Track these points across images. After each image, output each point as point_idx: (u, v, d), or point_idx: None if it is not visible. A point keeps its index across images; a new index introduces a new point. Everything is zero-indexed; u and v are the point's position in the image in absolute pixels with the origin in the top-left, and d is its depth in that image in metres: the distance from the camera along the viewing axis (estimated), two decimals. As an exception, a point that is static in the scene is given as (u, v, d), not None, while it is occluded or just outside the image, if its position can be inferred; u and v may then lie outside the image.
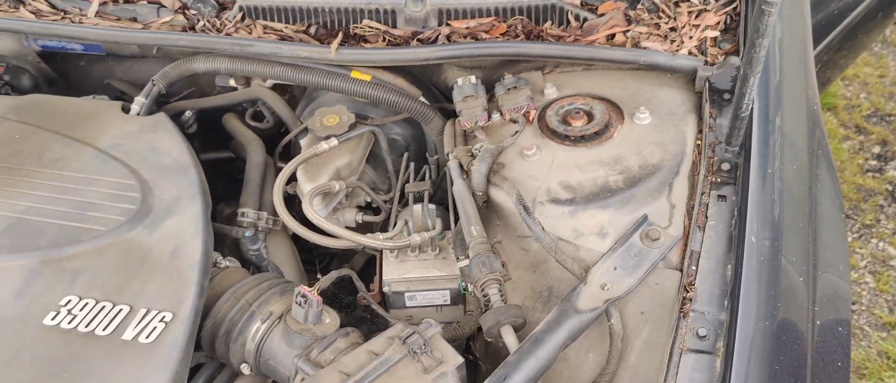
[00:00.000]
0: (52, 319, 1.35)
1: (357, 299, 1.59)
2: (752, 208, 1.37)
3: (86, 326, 1.34)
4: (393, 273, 1.58)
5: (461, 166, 1.56)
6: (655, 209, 1.45)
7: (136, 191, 1.51)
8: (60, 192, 1.53)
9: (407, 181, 1.71)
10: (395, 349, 1.31)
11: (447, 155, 1.60)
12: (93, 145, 1.61)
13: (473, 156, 1.55)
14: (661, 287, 1.40)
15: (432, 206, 1.67)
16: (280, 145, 1.82)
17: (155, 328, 1.33)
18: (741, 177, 1.45)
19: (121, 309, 1.35)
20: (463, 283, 1.55)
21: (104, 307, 1.36)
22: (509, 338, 1.33)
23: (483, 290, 1.38)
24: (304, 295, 1.38)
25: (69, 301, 1.37)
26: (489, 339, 1.37)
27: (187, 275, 1.39)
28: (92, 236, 1.45)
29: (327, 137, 1.64)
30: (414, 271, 1.57)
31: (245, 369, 1.45)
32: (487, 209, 1.54)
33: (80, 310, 1.36)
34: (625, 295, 1.34)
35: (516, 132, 1.57)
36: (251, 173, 1.71)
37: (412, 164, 1.73)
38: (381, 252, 1.64)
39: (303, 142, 1.77)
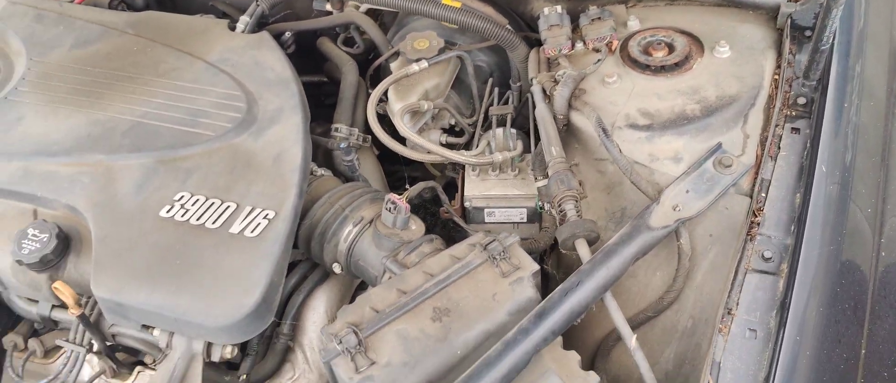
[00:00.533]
0: (167, 212, 1.50)
1: (440, 212, 1.70)
2: (824, 141, 1.42)
3: (197, 219, 1.48)
4: (474, 189, 1.68)
5: (544, 91, 1.63)
6: (729, 138, 1.51)
7: (242, 102, 1.64)
8: (174, 100, 1.66)
9: (491, 105, 1.80)
10: (475, 254, 1.42)
11: (531, 81, 1.68)
12: (203, 59, 1.74)
13: (556, 82, 1.62)
14: (730, 211, 1.47)
15: (513, 130, 1.76)
16: (372, 67, 1.93)
17: (259, 224, 1.46)
18: (816, 111, 1.49)
19: (228, 206, 1.49)
20: (540, 202, 1.64)
21: (213, 203, 1.50)
22: (583, 251, 1.42)
23: (560, 206, 1.47)
24: (393, 202, 1.49)
25: (182, 196, 1.51)
26: (564, 251, 1.47)
27: (288, 178, 1.52)
28: (202, 140, 1.59)
29: (418, 60, 1.74)
30: (494, 189, 1.67)
31: (336, 268, 1.58)
32: (567, 133, 1.62)
33: (192, 205, 1.50)
34: (695, 216, 1.42)
35: (599, 60, 1.63)
36: (345, 92, 1.83)
37: (496, 89, 1.81)
38: (463, 169, 1.74)
39: (393, 65, 1.86)
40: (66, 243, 1.51)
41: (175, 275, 1.42)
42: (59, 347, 1.72)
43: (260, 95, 1.65)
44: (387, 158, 1.99)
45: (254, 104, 1.64)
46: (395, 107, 1.72)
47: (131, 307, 1.43)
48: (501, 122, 1.73)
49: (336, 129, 1.77)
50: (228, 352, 1.47)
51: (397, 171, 2.16)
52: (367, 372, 1.29)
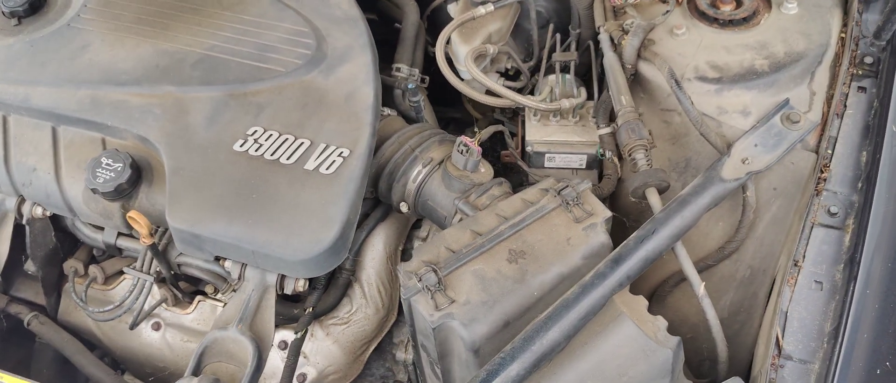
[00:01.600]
0: (241, 146, 1.51)
1: (501, 155, 1.72)
2: (895, 100, 1.45)
3: (271, 154, 1.50)
4: (536, 134, 1.70)
5: (611, 40, 1.65)
6: (796, 94, 1.54)
7: (311, 38, 1.64)
8: (241, 34, 1.66)
9: (553, 51, 1.81)
10: (549, 199, 1.45)
11: (597, 29, 1.70)
12: (268, -7, 1.73)
13: (625, 31, 1.63)
14: (795, 166, 1.50)
15: (570, 77, 1.77)
16: (429, 8, 1.92)
17: (334, 161, 1.48)
18: (885, 71, 1.52)
19: (302, 143, 1.51)
20: (601, 149, 1.67)
21: (287, 139, 1.51)
22: (654, 199, 1.46)
23: (630, 154, 1.50)
24: (466, 145, 1.51)
25: (255, 131, 1.53)
26: (633, 199, 1.50)
27: (361, 116, 1.54)
28: (273, 76, 1.59)
29: (483, 2, 1.74)
30: (555, 134, 1.69)
31: (403, 207, 1.61)
32: (634, 82, 1.64)
33: (266, 140, 1.52)
34: (764, 169, 1.45)
35: (667, 11, 1.65)
36: (407, 31, 1.83)
37: (558, 36, 1.82)
38: (521, 114, 1.76)
39: (454, 8, 1.86)
40: (138, 173, 1.52)
41: (252, 209, 1.44)
42: (119, 274, 1.76)
43: (328, 33, 1.65)
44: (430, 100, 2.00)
45: (322, 41, 1.64)
46: (460, 49, 1.72)
47: (207, 238, 1.45)
48: (564, 69, 1.74)
49: (397, 69, 1.78)
50: (301, 285, 1.50)
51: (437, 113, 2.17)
52: (447, 309, 1.33)
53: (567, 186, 1.45)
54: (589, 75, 1.82)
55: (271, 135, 1.52)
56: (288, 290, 1.50)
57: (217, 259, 1.53)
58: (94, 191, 1.49)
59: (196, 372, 1.42)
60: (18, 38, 1.70)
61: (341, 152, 1.49)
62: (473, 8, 1.75)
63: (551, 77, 1.77)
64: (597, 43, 1.74)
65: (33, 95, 1.62)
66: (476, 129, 1.78)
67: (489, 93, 1.71)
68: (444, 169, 1.55)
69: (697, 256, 1.57)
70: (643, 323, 1.35)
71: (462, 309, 1.34)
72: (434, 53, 1.84)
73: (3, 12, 1.74)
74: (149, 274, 1.60)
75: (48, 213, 1.62)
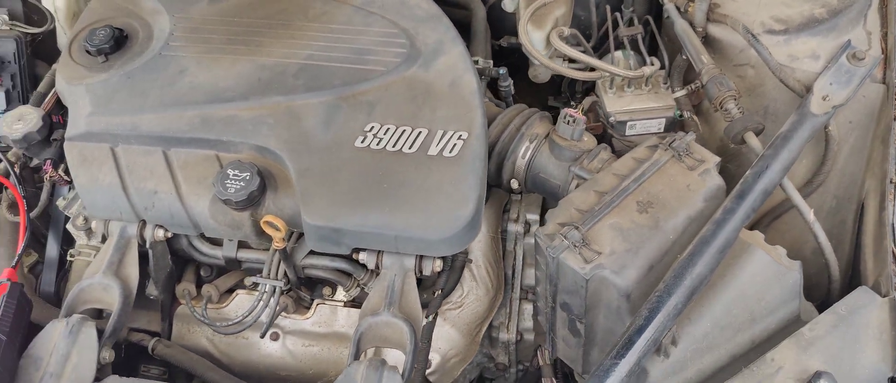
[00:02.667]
0: (362, 142, 1.59)
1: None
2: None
3: (393, 146, 1.58)
4: (615, 105, 1.81)
5: (678, 8, 1.78)
6: (855, 36, 1.70)
7: (402, 38, 1.73)
8: (334, 42, 1.74)
9: (616, 27, 1.93)
10: (661, 152, 1.57)
11: (662, 1, 1.83)
12: (348, 2, 1.81)
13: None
14: (867, 99, 1.66)
15: (630, 51, 1.90)
16: (488, 2, 2.04)
17: (455, 144, 1.57)
18: None
19: (420, 132, 1.59)
20: (679, 111, 1.80)
21: (404, 131, 1.59)
22: (753, 142, 1.59)
23: (722, 105, 1.63)
24: (571, 116, 1.62)
25: (372, 127, 1.61)
26: (733, 145, 1.63)
27: (469, 100, 1.63)
28: (376, 75, 1.68)
29: (548, -10, 1.86)
30: (633, 103, 1.81)
31: (514, 184, 1.70)
32: (704, 43, 1.78)
33: (384, 134, 1.60)
34: (845, 102, 1.60)
35: (725, -25, 1.79)
36: (477, 26, 1.94)
37: (618, 14, 1.95)
38: (590, 88, 1.88)
39: (509, 3, 1.98)
40: (264, 180, 1.58)
41: (386, 198, 1.52)
42: (231, 291, 1.80)
43: (416, 31, 1.75)
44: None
45: (413, 39, 1.73)
46: (535, 35, 1.83)
47: (347, 231, 1.52)
48: (632, 43, 1.87)
49: (475, 62, 1.88)
50: (438, 266, 1.58)
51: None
52: (597, 261, 1.43)
53: (675, 139, 1.57)
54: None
55: (388, 128, 1.60)
56: (426, 272, 1.57)
57: (352, 252, 1.59)
58: (226, 202, 1.54)
59: (356, 357, 1.49)
60: (111, 73, 1.74)
61: (460, 135, 1.57)
62: (536, -3, 1.86)
63: (616, 53, 1.89)
64: (655, 17, 1.88)
65: (141, 123, 1.66)
66: (572, 103, 1.88)
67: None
68: (551, 141, 1.66)
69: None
70: (769, 251, 1.48)
71: (610, 258, 1.44)
72: (499, 46, 1.96)
73: (88, 51, 1.77)
74: (277, 279, 1.65)
75: (169, 235, 1.66)
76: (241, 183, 1.55)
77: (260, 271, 1.69)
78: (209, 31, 1.79)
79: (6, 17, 1.90)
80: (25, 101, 1.93)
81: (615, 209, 1.50)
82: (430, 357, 1.74)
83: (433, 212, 1.50)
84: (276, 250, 1.63)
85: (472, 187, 1.52)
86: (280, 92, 1.67)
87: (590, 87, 2.13)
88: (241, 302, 1.79)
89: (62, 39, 2.04)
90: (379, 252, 1.58)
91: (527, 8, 1.87)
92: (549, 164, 1.66)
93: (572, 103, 2.04)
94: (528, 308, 1.88)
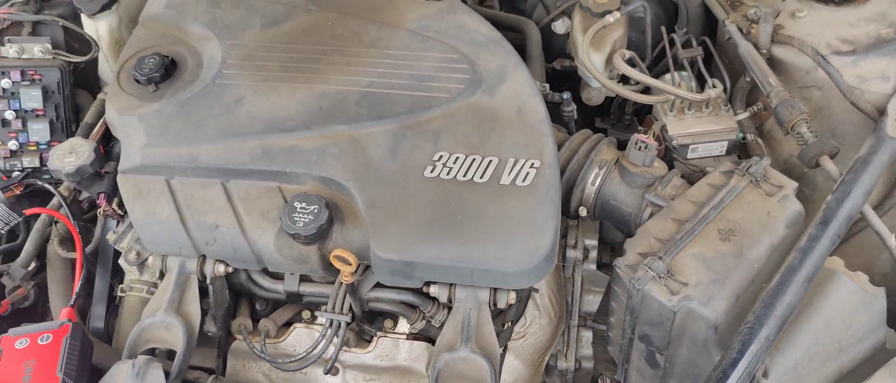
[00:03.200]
0: (431, 172, 1.55)
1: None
2: None
3: (463, 176, 1.54)
4: (677, 128, 1.79)
5: (740, 29, 1.76)
6: (923, 55, 1.69)
7: (463, 63, 1.70)
8: (393, 68, 1.70)
9: (671, 47, 1.90)
10: (738, 179, 1.54)
11: (722, 21, 1.81)
12: (403, 27, 1.78)
13: (750, 20, 1.75)
14: (939, 118, 1.64)
15: (686, 72, 1.88)
16: (544, 21, 2.00)
17: (528, 173, 1.53)
18: None
19: (490, 161, 1.55)
20: (742, 134, 1.77)
21: (474, 159, 1.56)
22: (829, 165, 1.56)
23: (793, 128, 1.61)
24: (643, 142, 1.59)
25: (440, 156, 1.57)
26: (807, 169, 1.60)
27: (538, 127, 1.60)
28: (439, 102, 1.64)
29: (606, 12, 1.83)
30: (695, 126, 1.79)
31: (582, 212, 1.67)
32: (769, 65, 1.76)
33: (454, 163, 1.56)
34: (923, 124, 1.58)
35: (786, -4, 1.78)
36: (533, 50, 1.91)
37: (675, 35, 1.93)
38: (646, 112, 1.86)
39: (560, 25, 1.95)
40: (332, 212, 1.54)
41: (460, 229, 1.48)
42: (288, 325, 1.75)
43: (476, 56, 1.71)
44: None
45: (475, 65, 1.69)
46: (595, 58, 1.80)
47: (420, 265, 1.48)
48: (692, 64, 1.84)
49: (534, 86, 1.85)
50: (512, 298, 1.54)
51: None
52: (684, 292, 1.40)
53: (750, 164, 1.54)
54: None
55: (457, 157, 1.56)
56: (501, 304, 1.53)
57: (426, 285, 1.55)
58: (294, 236, 1.50)
59: (434, 395, 1.45)
60: (163, 103, 1.70)
61: (532, 163, 1.54)
62: (594, 18, 1.83)
63: (667, 76, 1.86)
64: (711, 38, 1.86)
65: (199, 154, 1.62)
66: (640, 128, 1.85)
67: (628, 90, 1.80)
68: (622, 167, 1.62)
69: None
70: (853, 278, 1.45)
71: (697, 289, 1.41)
72: (552, 68, 1.93)
73: (138, 80, 1.73)
74: (342, 313, 1.60)
75: (230, 270, 1.61)
76: (310, 216, 1.50)
77: (321, 304, 1.65)
78: (263, 59, 1.75)
79: (49, 46, 1.84)
80: (69, 132, 1.88)
81: (696, 237, 1.47)
82: (494, 388, 1.70)
83: (510, 243, 1.47)
84: (342, 284, 1.59)
85: (548, 217, 1.49)
86: (343, 121, 1.63)
87: (639, 109, 2.11)
88: (298, 336, 1.75)
89: (104, 67, 1.99)
90: (451, 285, 1.54)
91: (583, 30, 1.84)
92: (620, 191, 1.63)
93: (641, 129, 2.00)
94: (587, 335, 1.84)
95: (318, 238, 1.51)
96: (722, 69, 1.83)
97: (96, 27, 1.92)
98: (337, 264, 1.50)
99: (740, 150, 1.81)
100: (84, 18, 1.92)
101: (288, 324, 1.76)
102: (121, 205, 1.70)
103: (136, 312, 1.71)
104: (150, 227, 1.59)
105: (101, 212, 1.69)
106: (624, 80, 1.97)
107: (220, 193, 1.60)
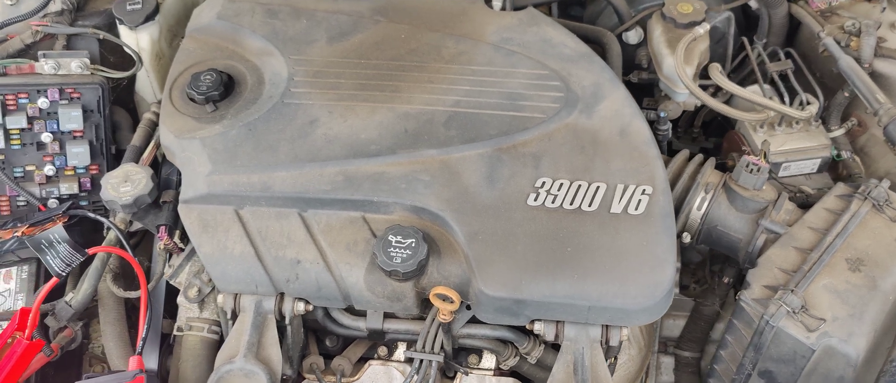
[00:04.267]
0: (534, 200, 1.43)
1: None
2: None
3: (570, 204, 1.43)
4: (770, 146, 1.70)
5: (837, 42, 1.68)
6: None
7: (555, 80, 1.58)
8: (479, 85, 1.58)
9: (761, 62, 1.81)
10: (858, 203, 1.45)
11: (817, 34, 1.72)
12: (483, 40, 1.65)
13: (848, 33, 1.67)
14: None
15: (767, 85, 1.79)
16: (617, 30, 1.89)
17: (640, 200, 1.43)
18: None
19: (598, 187, 1.44)
20: (836, 150, 1.69)
21: (580, 186, 1.44)
22: (949, 187, 1.49)
23: (909, 149, 1.53)
24: (755, 164, 1.50)
25: (543, 182, 1.45)
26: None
27: (644, 151, 1.49)
28: (535, 123, 1.52)
29: (689, 24, 1.73)
30: (787, 143, 1.70)
31: (686, 238, 1.57)
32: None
33: (558, 190, 1.44)
34: None
35: (884, 8, 1.69)
36: (613, 61, 1.79)
37: (759, 46, 1.84)
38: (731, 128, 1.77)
39: (633, 35, 1.85)
40: (429, 246, 1.41)
41: (574, 264, 1.37)
42: (364, 361, 1.62)
43: (568, 72, 1.60)
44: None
45: (567, 82, 1.58)
46: (689, 70, 1.70)
47: (531, 302, 1.37)
48: (783, 77, 1.76)
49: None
50: (625, 335, 1.43)
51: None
52: (822, 328, 1.30)
53: (870, 188, 1.46)
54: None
55: (562, 184, 1.45)
56: (613, 342, 1.42)
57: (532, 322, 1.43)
58: (391, 273, 1.37)
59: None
60: (226, 124, 1.55)
61: (644, 190, 1.43)
62: (678, 29, 1.74)
63: (754, 87, 1.77)
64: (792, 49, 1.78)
65: (273, 182, 1.48)
66: (744, 149, 1.75)
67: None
68: (730, 191, 1.53)
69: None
70: None
71: (835, 325, 1.32)
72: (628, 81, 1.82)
73: (193, 99, 1.58)
74: (433, 352, 1.48)
75: (310, 308, 1.47)
76: (408, 250, 1.38)
77: (401, 340, 1.53)
78: (335, 75, 1.61)
79: (87, 61, 1.67)
80: (108, 155, 1.72)
81: (825, 268, 1.38)
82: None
83: (629, 278, 1.36)
84: (434, 321, 1.46)
85: (666, 248, 1.38)
86: (432, 144, 1.50)
87: (708, 122, 2.02)
88: (374, 374, 1.62)
89: (144, 83, 1.83)
90: (558, 322, 1.42)
91: (667, 42, 1.73)
92: (728, 217, 1.53)
93: (744, 150, 1.89)
94: (667, 361, 1.76)
95: (416, 274, 1.39)
96: (813, 83, 1.74)
97: (137, 39, 1.76)
98: (437, 303, 1.38)
99: (835, 168, 1.73)
100: (123, 31, 1.76)
101: (361, 361, 1.63)
102: (183, 237, 1.55)
103: (197, 353, 1.57)
104: (223, 264, 1.45)
105: (162, 247, 1.53)
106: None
107: (299, 225, 1.46)
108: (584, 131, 1.52)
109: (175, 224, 1.54)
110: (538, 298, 1.36)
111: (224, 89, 1.60)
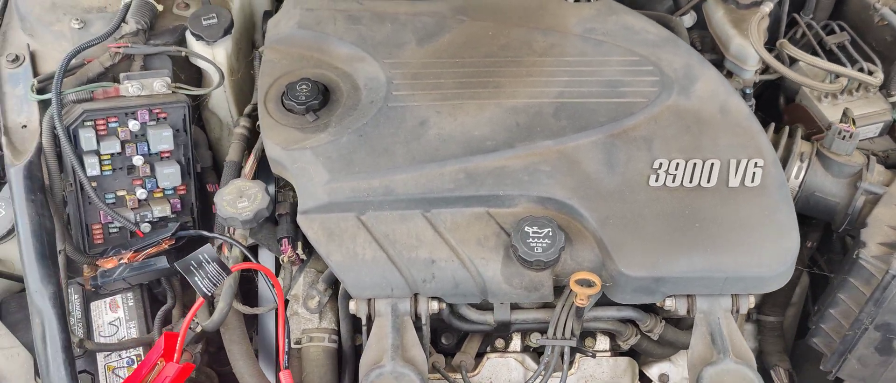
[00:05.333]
0: (655, 181, 1.49)
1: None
2: None
3: (689, 182, 1.49)
4: (833, 113, 1.80)
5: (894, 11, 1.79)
6: None
7: (647, 65, 1.63)
8: (577, 76, 1.62)
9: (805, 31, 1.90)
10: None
11: (873, 4, 1.82)
12: (569, 32, 1.70)
13: (901, 2, 1.78)
14: None
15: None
16: (677, 14, 1.96)
17: (754, 173, 1.49)
18: None
19: (712, 164, 1.50)
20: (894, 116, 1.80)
21: (695, 164, 1.50)
22: None
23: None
24: (846, 131, 1.59)
25: (660, 164, 1.50)
26: None
27: (747, 125, 1.56)
28: (639, 107, 1.57)
29: (751, 4, 1.81)
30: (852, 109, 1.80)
31: (785, 208, 1.64)
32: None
33: (675, 170, 1.50)
34: None
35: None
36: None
37: (808, 21, 1.93)
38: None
39: (716, 14, 1.91)
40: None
41: (703, 238, 1.43)
42: (482, 355, 1.65)
43: (657, 57, 1.65)
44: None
45: (659, 66, 1.63)
46: (753, 49, 1.78)
47: (669, 279, 1.42)
48: (841, 48, 1.85)
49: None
50: (752, 302, 1.49)
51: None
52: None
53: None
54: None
55: (677, 163, 1.50)
56: (743, 310, 1.49)
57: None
58: (533, 263, 1.40)
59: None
60: (332, 132, 1.55)
61: (755, 162, 1.50)
62: (739, 11, 1.82)
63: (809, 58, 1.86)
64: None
65: (395, 185, 1.49)
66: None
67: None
68: (823, 158, 1.62)
69: None
70: None
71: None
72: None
73: (291, 110, 1.57)
74: (566, 338, 1.51)
75: (443, 307, 1.49)
76: (547, 240, 1.41)
77: (527, 330, 1.59)
78: (434, 76, 1.62)
79: (169, 80, 1.64)
80: (194, 174, 1.69)
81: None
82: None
83: (759, 247, 1.43)
84: (563, 307, 1.49)
85: (787, 216, 1.45)
86: (546, 136, 1.53)
87: (763, 97, 2.10)
88: (493, 367, 1.65)
89: (219, 98, 1.80)
90: (689, 296, 1.48)
91: (731, 22, 1.81)
92: (825, 183, 1.62)
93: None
94: (749, 327, 1.84)
95: (555, 262, 1.42)
96: (870, 52, 1.84)
97: (214, 54, 1.73)
98: (577, 288, 1.41)
99: (889, 131, 1.84)
100: (200, 47, 1.73)
101: (478, 356, 1.66)
102: (305, 248, 1.55)
103: (321, 363, 1.58)
104: (356, 270, 1.45)
105: (287, 260, 1.52)
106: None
107: (425, 225, 1.48)
108: (686, 112, 1.57)
109: (296, 236, 1.53)
110: (677, 274, 1.41)
111: (322, 97, 1.59)
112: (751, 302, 1.49)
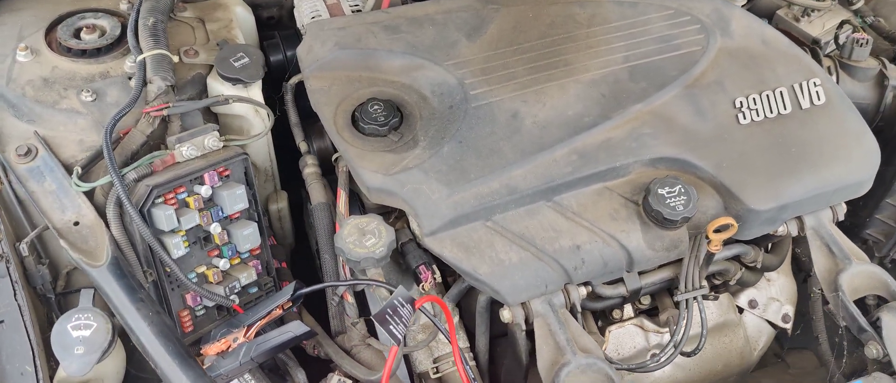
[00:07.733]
0: (744, 118, 1.57)
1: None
2: None
3: (770, 112, 1.59)
4: (811, 29, 1.98)
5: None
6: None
7: (685, 16, 1.70)
8: (630, 38, 1.65)
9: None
10: (945, 44, 1.78)
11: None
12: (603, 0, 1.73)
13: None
14: None
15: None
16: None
17: (816, 91, 1.62)
18: None
19: (780, 91, 1.61)
20: (861, 18, 2.02)
21: (767, 95, 1.60)
22: None
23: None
24: (863, 38, 1.76)
25: (741, 102, 1.59)
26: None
27: (791, 51, 1.68)
28: (699, 55, 1.64)
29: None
30: (827, 24, 1.99)
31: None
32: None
33: (754, 104, 1.59)
34: None
35: None
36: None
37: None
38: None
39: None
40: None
41: (802, 161, 1.54)
42: (611, 322, 1.65)
43: (688, 7, 1.72)
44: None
45: (693, 14, 1.71)
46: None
47: (789, 205, 1.51)
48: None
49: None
50: (844, 208, 1.61)
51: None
52: None
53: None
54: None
55: (754, 98, 1.59)
56: (840, 217, 1.60)
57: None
58: (678, 222, 1.43)
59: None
60: (426, 145, 1.47)
61: (814, 81, 1.62)
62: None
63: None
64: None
65: (516, 182, 1.45)
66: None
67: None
68: (847, 67, 1.79)
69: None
70: None
71: None
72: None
73: (376, 134, 1.48)
74: (698, 288, 1.55)
75: (590, 289, 1.48)
76: (682, 197, 1.44)
77: (654, 292, 1.62)
78: (502, 67, 1.59)
79: (217, 133, 1.47)
80: (264, 228, 1.54)
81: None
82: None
83: (848, 156, 1.55)
84: (693, 259, 1.53)
85: (859, 121, 1.60)
86: (634, 100, 1.56)
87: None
88: (617, 338, 1.66)
89: (259, 144, 1.64)
90: (797, 217, 1.57)
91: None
92: (855, 89, 1.79)
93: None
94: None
95: (693, 217, 1.46)
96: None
97: (250, 95, 1.58)
98: (715, 236, 1.46)
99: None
100: (232, 91, 1.56)
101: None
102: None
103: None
104: (509, 277, 1.40)
105: (426, 287, 1.43)
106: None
107: (555, 214, 1.46)
108: (736, 50, 1.66)
109: (428, 261, 1.45)
110: (796, 199, 1.50)
111: (400, 113, 1.51)
112: (842, 208, 1.62)
